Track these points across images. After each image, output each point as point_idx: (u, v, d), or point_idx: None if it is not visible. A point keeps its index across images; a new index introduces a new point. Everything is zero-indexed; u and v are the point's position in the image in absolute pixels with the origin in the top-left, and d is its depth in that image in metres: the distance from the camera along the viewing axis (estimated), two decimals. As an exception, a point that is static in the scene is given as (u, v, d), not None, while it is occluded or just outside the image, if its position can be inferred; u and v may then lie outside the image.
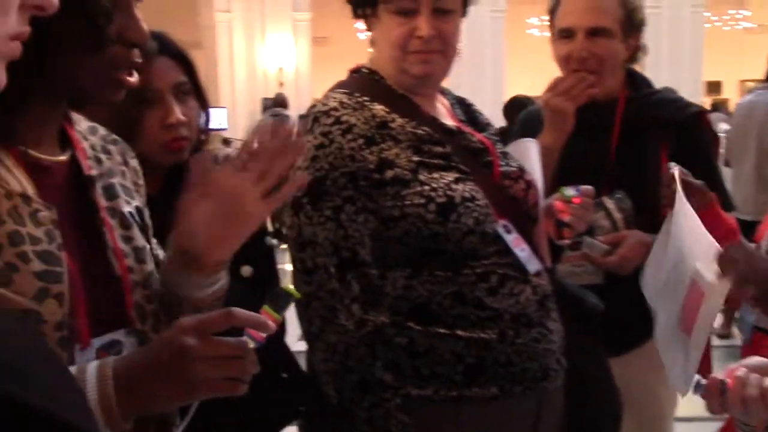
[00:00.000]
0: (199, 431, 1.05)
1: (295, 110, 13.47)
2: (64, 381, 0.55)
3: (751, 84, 5.07)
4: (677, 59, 14.02)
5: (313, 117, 1.46)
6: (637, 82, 2.10)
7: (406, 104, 1.52)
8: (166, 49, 1.55)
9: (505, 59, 17.13)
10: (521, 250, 1.49)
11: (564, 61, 2.00)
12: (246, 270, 1.61)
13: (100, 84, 0.97)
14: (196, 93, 1.60)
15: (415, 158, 1.44)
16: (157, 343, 0.93)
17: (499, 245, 1.47)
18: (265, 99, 14.81)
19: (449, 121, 1.58)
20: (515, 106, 5.80)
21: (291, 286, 0.99)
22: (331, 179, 1.41)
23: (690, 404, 3.40)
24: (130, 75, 0.99)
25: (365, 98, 1.48)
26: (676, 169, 1.69)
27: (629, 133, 1.99)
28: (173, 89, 1.54)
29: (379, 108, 1.47)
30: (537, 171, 1.68)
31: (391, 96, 1.52)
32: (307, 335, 1.45)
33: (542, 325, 1.49)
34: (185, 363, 0.88)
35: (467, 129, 1.58)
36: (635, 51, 2.05)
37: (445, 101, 1.66)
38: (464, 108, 1.70)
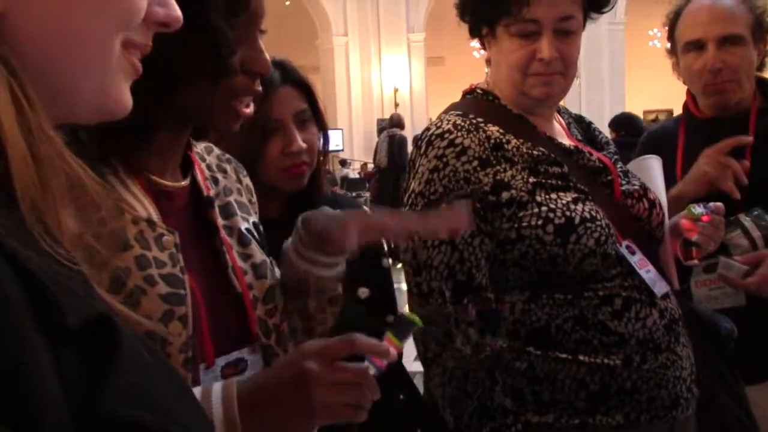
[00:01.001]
0: None
1: (410, 130, 13.59)
2: (186, 403, 0.56)
3: None
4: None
5: (427, 140, 1.46)
6: None
7: (522, 125, 1.50)
8: (289, 78, 1.59)
9: (625, 73, 16.65)
10: (647, 271, 1.43)
11: (696, 74, 1.92)
12: (363, 292, 1.62)
13: (220, 113, 0.99)
14: (316, 118, 1.63)
15: (532, 179, 1.42)
16: (279, 366, 0.95)
17: (622, 267, 1.42)
18: (381, 120, 15.02)
19: (566, 141, 1.54)
20: (622, 121, 5.96)
21: (413, 314, 0.99)
22: (446, 203, 1.40)
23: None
24: (248, 106, 1.01)
25: (479, 120, 1.47)
26: None
27: (763, 146, 1.88)
28: (295, 117, 1.58)
29: (493, 129, 1.46)
30: (660, 189, 1.61)
31: (506, 117, 1.50)
32: (423, 359, 1.44)
33: (671, 351, 1.42)
34: (306, 387, 0.89)
35: (585, 148, 1.54)
36: (765, 56, 1.96)
37: (562, 120, 1.62)
38: (583, 126, 1.66)
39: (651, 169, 1.65)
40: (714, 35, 1.87)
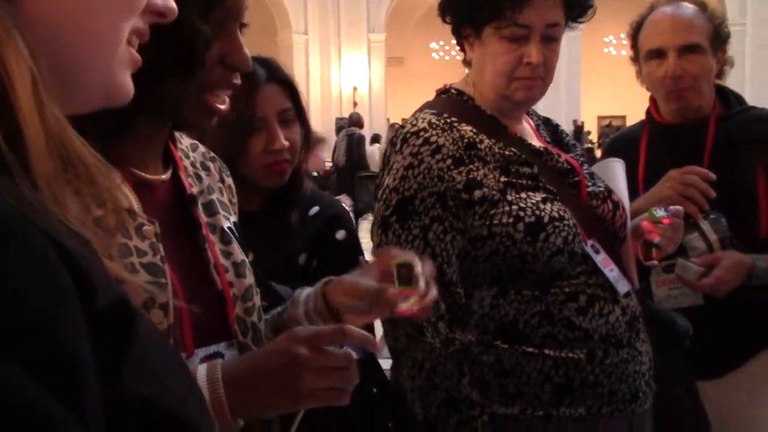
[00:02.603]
0: None
1: (369, 130, 13.62)
2: (191, 387, 0.57)
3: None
4: (763, 77, 13.60)
5: (402, 137, 1.48)
6: (728, 99, 2.05)
7: (494, 125, 1.53)
8: (274, 76, 1.60)
9: (581, 79, 16.92)
10: (610, 270, 1.48)
11: (658, 81, 1.98)
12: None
13: (192, 109, 0.99)
14: (299, 117, 1.65)
15: (503, 179, 1.45)
16: (269, 351, 0.95)
17: (587, 265, 1.46)
18: (339, 119, 15.02)
19: (536, 142, 1.58)
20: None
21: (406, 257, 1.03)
22: (419, 199, 1.43)
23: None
24: (224, 102, 1.01)
25: (453, 119, 1.49)
26: None
27: (722, 152, 1.95)
28: (278, 115, 1.60)
29: (467, 129, 1.48)
30: (623, 191, 1.66)
31: (480, 117, 1.53)
32: (393, 351, 1.46)
33: (631, 346, 1.47)
34: (296, 372, 0.91)
35: (554, 150, 1.58)
36: (723, 65, 2.02)
37: (531, 122, 1.66)
38: (551, 128, 1.70)
39: (614, 172, 1.69)
40: (675, 44, 1.93)
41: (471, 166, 1.44)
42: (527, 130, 1.61)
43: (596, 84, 19.13)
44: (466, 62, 1.58)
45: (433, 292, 1.04)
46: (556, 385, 1.42)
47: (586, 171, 1.60)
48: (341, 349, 0.94)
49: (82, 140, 0.52)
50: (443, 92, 1.61)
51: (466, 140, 1.46)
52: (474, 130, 1.48)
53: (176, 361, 0.58)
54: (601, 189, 1.58)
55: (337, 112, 16.56)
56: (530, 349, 1.43)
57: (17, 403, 0.39)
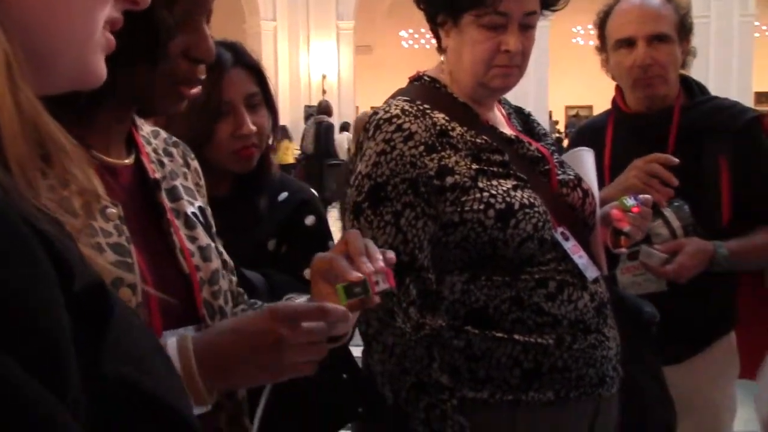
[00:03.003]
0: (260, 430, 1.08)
1: (337, 118, 13.59)
2: (168, 368, 0.58)
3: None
4: (726, 69, 13.82)
5: (375, 123, 1.48)
6: (692, 89, 2.09)
7: (466, 113, 1.54)
8: (241, 60, 1.59)
9: (548, 69, 17.04)
10: (579, 256, 1.50)
11: (626, 70, 2.01)
12: (308, 273, 1.64)
13: (162, 96, 1.00)
14: (267, 102, 1.64)
15: (475, 166, 1.46)
16: (251, 330, 0.95)
17: (557, 252, 1.48)
18: (308, 106, 14.96)
19: (507, 130, 1.59)
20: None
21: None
22: (392, 185, 1.43)
23: (750, 418, 3.36)
24: (193, 87, 1.01)
25: (426, 106, 1.50)
26: None
27: (686, 140, 1.99)
28: (246, 100, 1.59)
29: (439, 116, 1.49)
30: (593, 180, 1.68)
31: (452, 105, 1.54)
32: (364, 336, 1.47)
33: (599, 332, 1.49)
34: (279, 351, 0.93)
35: (525, 138, 1.60)
36: (687, 55, 2.06)
37: (503, 110, 1.67)
38: (522, 117, 1.72)
39: (584, 161, 1.71)
40: (644, 33, 1.96)
41: (443, 153, 1.45)
42: (499, 118, 1.63)
43: (564, 74, 19.27)
44: (441, 49, 1.59)
45: (378, 264, 1.02)
46: (525, 370, 1.44)
47: (556, 159, 1.61)
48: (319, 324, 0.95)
49: (56, 124, 0.52)
50: (416, 79, 1.62)
51: (438, 127, 1.47)
52: (446, 118, 1.49)
53: (153, 342, 0.58)
54: (571, 177, 1.60)
55: (305, 99, 16.49)
56: (500, 335, 1.44)
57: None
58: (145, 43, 0.91)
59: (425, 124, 1.46)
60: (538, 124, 1.73)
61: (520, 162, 1.53)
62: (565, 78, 19.67)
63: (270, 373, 0.96)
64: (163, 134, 1.17)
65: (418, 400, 1.40)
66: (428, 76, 1.60)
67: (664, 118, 2.01)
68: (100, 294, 0.49)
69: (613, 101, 2.15)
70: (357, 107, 17.85)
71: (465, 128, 1.50)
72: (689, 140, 1.98)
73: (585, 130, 2.34)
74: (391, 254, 1.06)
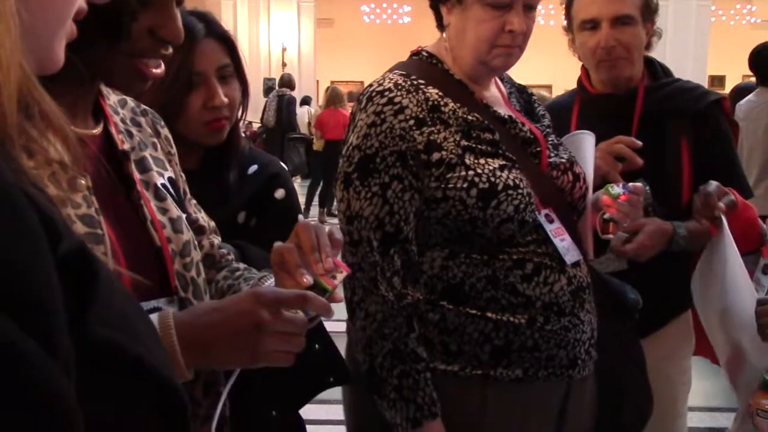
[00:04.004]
0: (233, 399, 1.10)
1: (298, 91, 13.44)
2: (153, 334, 0.59)
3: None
4: (682, 53, 14.00)
5: (368, 96, 1.49)
6: (656, 71, 2.12)
7: (461, 90, 1.55)
8: (212, 31, 1.58)
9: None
10: (561, 240, 1.51)
11: (591, 51, 2.03)
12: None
13: (121, 73, 0.98)
14: (238, 74, 1.63)
15: (463, 143, 1.47)
16: (233, 310, 0.96)
17: (539, 234, 1.50)
18: (267, 79, 14.76)
19: (503, 110, 1.60)
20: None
21: (324, 283, 1.04)
22: (380, 157, 1.44)
23: (705, 393, 3.50)
24: (158, 67, 1.00)
25: (421, 81, 1.51)
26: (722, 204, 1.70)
27: (649, 121, 2.02)
28: (217, 71, 1.57)
29: (433, 92, 1.50)
30: (589, 164, 1.69)
31: (447, 81, 1.55)
32: (349, 303, 1.49)
33: (574, 315, 1.51)
34: (258, 335, 0.93)
35: (520, 118, 1.60)
36: (651, 36, 2.09)
37: (503, 88, 1.67)
38: (525, 97, 1.72)
39: (583, 144, 1.73)
40: (608, 15, 1.98)
41: (432, 128, 1.46)
42: (496, 97, 1.63)
43: (524, 53, 19.29)
44: (441, 26, 1.59)
45: (329, 263, 1.06)
46: (495, 347, 1.47)
47: (550, 142, 1.62)
48: (297, 314, 0.97)
49: (46, 93, 0.53)
50: (414, 54, 1.62)
51: (430, 102, 1.48)
52: (440, 93, 1.50)
53: (137, 307, 0.59)
54: (563, 161, 1.60)
55: (265, 72, 16.26)
56: (473, 311, 1.46)
57: None
58: (107, 24, 0.90)
59: (417, 98, 1.47)
60: (539, 104, 1.74)
61: (511, 142, 1.53)
62: (525, 57, 19.68)
63: (247, 357, 0.96)
64: (131, 103, 1.15)
65: (393, 367, 1.43)
66: (427, 52, 1.60)
67: (628, 98, 2.05)
68: (86, 257, 0.49)
69: (579, 81, 2.18)
70: (317, 81, 17.70)
71: (458, 105, 1.50)
72: (653, 121, 2.02)
73: (551, 108, 2.38)
74: (338, 235, 1.09)
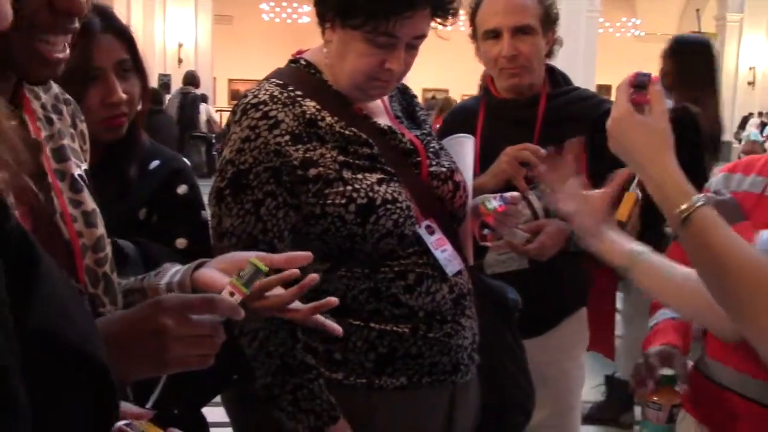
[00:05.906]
0: (135, 398, 1.09)
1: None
2: (86, 315, 0.59)
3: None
4: (572, 62, 14.48)
5: (242, 108, 1.45)
6: (556, 79, 2.23)
7: (339, 102, 1.52)
8: (110, 26, 1.55)
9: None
10: (442, 250, 1.52)
11: (493, 60, 2.11)
12: (181, 243, 1.64)
13: (25, 57, 0.93)
14: (137, 69, 1.60)
15: (341, 158, 1.45)
16: (134, 319, 0.94)
17: (419, 245, 1.50)
18: (162, 75, 14.40)
19: (383, 120, 1.59)
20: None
21: (258, 261, 1.00)
22: (254, 173, 1.41)
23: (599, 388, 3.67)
24: (61, 51, 0.95)
25: (298, 93, 1.47)
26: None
27: (550, 127, 2.12)
28: (115, 67, 1.55)
29: (310, 105, 1.47)
30: (469, 168, 1.72)
31: (325, 93, 1.51)
32: (234, 323, 1.46)
33: (455, 322, 1.53)
34: (162, 342, 0.91)
35: (400, 128, 1.60)
36: (553, 45, 2.19)
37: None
38: (407, 99, 1.71)
39: (463, 148, 1.76)
40: (508, 25, 2.07)
41: (308, 145, 1.44)
42: (376, 105, 1.60)
43: (422, 58, 19.57)
44: (326, 41, 1.52)
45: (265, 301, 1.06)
46: (380, 355, 1.47)
47: (431, 150, 1.61)
48: (207, 316, 0.94)
49: None
50: (293, 61, 1.59)
51: (307, 116, 1.45)
52: (317, 106, 1.48)
53: (72, 291, 0.59)
54: (444, 170, 1.60)
55: (160, 68, 15.83)
56: (357, 322, 1.47)
57: None
58: None
59: (294, 112, 1.44)
60: (421, 108, 1.74)
61: (390, 154, 1.52)
62: (423, 62, 19.99)
63: (155, 364, 0.94)
64: (56, 89, 1.12)
65: (285, 383, 1.42)
66: (305, 60, 1.57)
67: (531, 104, 2.15)
68: (26, 243, 0.49)
69: (485, 88, 2.27)
70: (215, 78, 17.40)
71: (336, 118, 1.48)
72: (553, 126, 2.12)
73: (457, 112, 2.47)
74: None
